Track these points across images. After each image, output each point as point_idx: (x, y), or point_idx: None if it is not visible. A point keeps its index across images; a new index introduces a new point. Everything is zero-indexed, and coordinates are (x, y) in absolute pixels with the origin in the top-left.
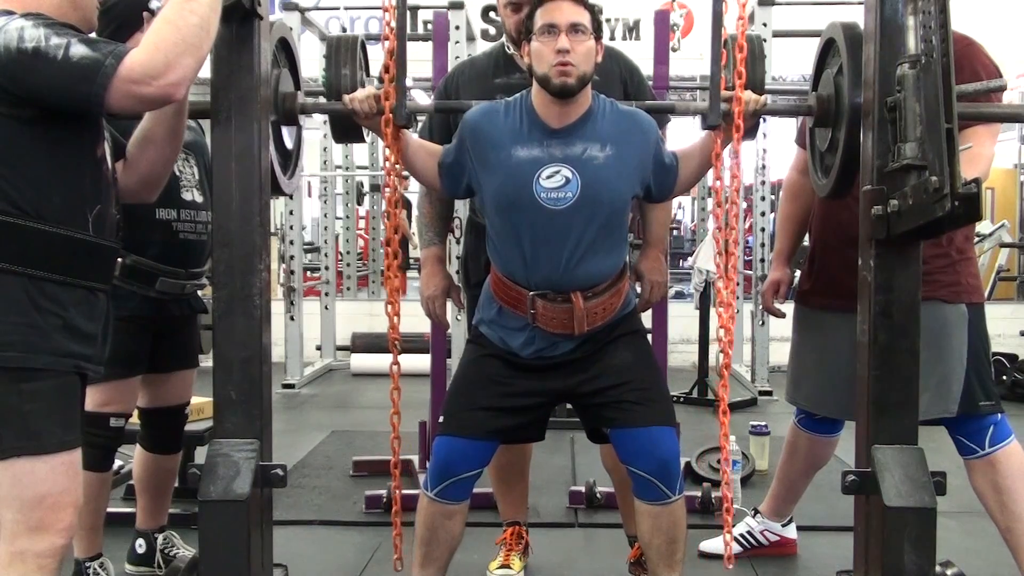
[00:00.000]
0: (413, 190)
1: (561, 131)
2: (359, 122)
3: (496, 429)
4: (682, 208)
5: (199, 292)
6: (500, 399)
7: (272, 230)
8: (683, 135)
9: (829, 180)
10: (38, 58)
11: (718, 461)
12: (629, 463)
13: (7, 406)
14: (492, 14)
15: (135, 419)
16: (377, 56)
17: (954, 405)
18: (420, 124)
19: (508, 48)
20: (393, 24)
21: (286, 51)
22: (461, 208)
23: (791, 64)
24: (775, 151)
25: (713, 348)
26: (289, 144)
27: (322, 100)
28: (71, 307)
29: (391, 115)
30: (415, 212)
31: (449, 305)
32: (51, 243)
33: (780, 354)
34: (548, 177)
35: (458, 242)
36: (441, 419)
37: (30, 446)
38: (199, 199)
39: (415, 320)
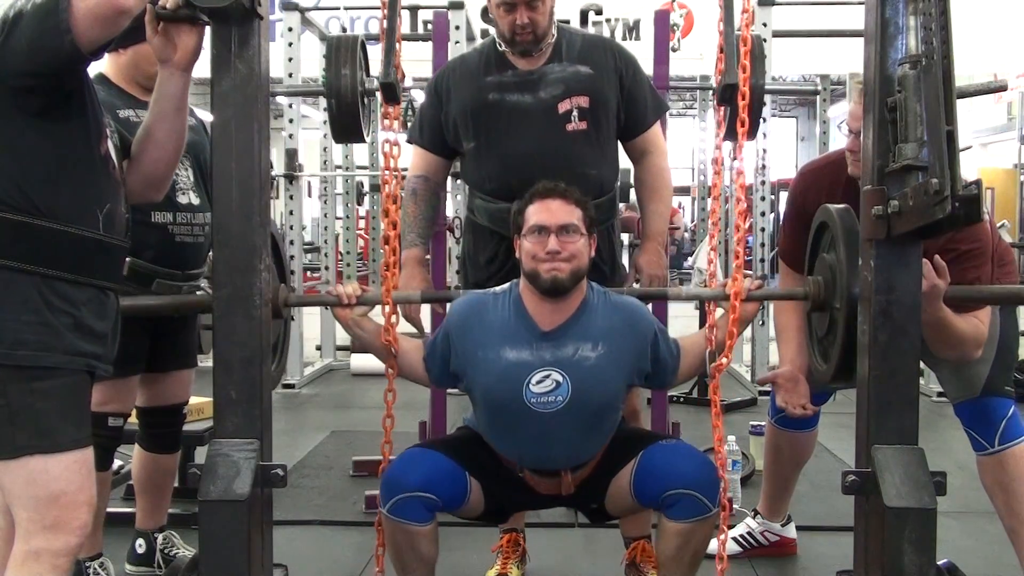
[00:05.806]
0: None
1: (552, 333)
2: (339, 318)
3: (470, 469)
4: (682, 208)
5: (197, 292)
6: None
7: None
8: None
9: (830, 366)
10: (19, 19)
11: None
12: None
13: (20, 405)
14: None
15: (133, 419)
16: (377, 56)
17: (980, 383)
18: (410, 125)
19: (500, 45)
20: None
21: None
22: (461, 208)
23: (791, 64)
24: (775, 151)
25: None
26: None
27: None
28: (82, 306)
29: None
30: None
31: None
32: (63, 242)
33: None
34: (539, 382)
35: (458, 242)
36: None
37: (44, 444)
38: (196, 201)
39: None
